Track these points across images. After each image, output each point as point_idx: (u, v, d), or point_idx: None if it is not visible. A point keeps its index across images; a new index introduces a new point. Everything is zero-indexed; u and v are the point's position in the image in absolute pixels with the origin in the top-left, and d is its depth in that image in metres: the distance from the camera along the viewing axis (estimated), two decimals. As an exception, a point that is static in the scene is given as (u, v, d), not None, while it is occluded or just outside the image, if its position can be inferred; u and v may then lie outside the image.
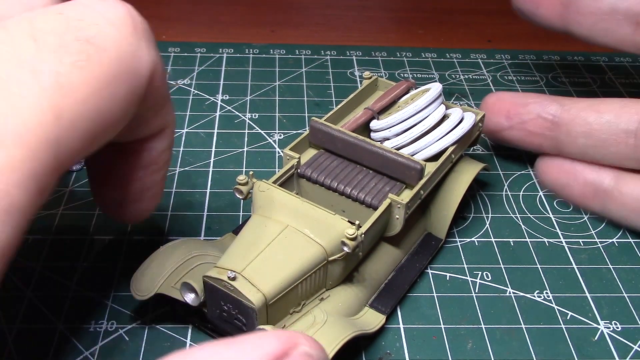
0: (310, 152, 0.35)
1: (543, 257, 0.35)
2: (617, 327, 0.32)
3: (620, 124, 0.35)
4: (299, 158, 0.33)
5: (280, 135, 0.43)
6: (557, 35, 0.41)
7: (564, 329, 0.31)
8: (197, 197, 0.38)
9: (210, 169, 0.40)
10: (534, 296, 0.33)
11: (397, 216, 0.31)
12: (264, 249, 0.27)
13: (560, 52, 0.55)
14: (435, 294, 0.33)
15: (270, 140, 0.43)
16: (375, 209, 0.30)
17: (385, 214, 0.30)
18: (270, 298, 0.26)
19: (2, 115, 0.18)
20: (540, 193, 0.40)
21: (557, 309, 0.32)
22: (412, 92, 0.37)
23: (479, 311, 0.32)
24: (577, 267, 0.35)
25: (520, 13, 0.42)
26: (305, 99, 0.47)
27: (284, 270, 0.27)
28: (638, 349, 0.31)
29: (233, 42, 0.54)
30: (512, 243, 0.36)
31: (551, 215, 0.38)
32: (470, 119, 0.35)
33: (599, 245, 0.36)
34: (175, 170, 0.40)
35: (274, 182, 0.31)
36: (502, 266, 0.35)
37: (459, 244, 0.36)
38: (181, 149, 0.41)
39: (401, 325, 0.31)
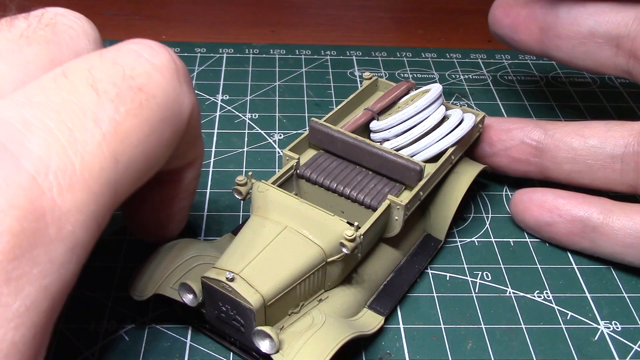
0: (310, 153, 0.35)
1: (543, 257, 0.35)
2: (617, 327, 0.32)
3: (606, 149, 0.34)
4: (299, 158, 0.33)
5: (280, 136, 0.43)
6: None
7: (564, 329, 0.31)
8: (196, 198, 0.38)
9: (210, 169, 0.40)
10: (534, 296, 0.33)
11: (396, 217, 0.31)
12: (263, 250, 0.27)
13: (560, 51, 0.55)
14: (435, 294, 0.33)
15: (270, 140, 0.43)
16: (375, 210, 0.30)
17: (384, 215, 0.30)
18: (269, 299, 0.26)
19: (70, 162, 0.19)
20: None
21: (557, 309, 0.32)
22: (412, 92, 0.37)
23: (479, 311, 0.32)
24: (577, 267, 0.35)
25: (498, 38, 0.41)
26: (305, 99, 0.47)
27: (283, 271, 0.27)
28: (638, 349, 0.31)
29: (233, 42, 0.54)
30: (512, 243, 0.36)
31: (551, 216, 0.38)
32: (470, 120, 0.35)
33: (599, 245, 0.36)
34: (175, 170, 0.40)
35: (273, 183, 0.31)
36: (502, 266, 0.35)
37: (459, 244, 0.36)
38: (181, 149, 0.41)
39: (401, 325, 0.31)
